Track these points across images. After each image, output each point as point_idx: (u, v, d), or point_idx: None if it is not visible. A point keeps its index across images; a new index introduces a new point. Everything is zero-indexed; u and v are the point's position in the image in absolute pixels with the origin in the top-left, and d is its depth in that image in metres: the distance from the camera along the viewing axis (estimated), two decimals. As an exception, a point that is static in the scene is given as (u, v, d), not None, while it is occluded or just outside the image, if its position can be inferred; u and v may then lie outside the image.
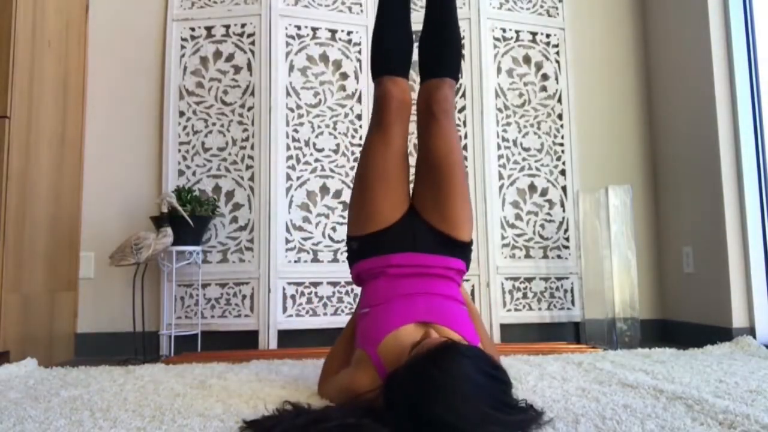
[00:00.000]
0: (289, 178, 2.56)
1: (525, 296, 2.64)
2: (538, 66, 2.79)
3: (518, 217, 2.69)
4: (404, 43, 1.54)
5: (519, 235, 2.68)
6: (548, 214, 2.72)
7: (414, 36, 1.60)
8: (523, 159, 2.72)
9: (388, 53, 1.50)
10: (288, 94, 2.60)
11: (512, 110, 2.74)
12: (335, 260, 2.54)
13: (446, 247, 1.40)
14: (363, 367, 1.22)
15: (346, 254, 1.53)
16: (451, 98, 1.47)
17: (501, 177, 2.68)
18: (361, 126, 2.62)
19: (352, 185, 1.56)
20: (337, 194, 2.59)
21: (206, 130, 2.57)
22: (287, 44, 2.61)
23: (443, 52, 1.52)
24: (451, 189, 1.40)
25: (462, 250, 1.43)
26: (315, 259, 2.54)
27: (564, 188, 2.74)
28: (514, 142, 2.72)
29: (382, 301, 1.32)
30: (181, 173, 2.55)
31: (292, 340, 2.45)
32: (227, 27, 2.61)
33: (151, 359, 2.18)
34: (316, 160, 2.59)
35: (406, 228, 1.40)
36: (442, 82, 1.46)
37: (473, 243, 1.49)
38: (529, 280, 2.66)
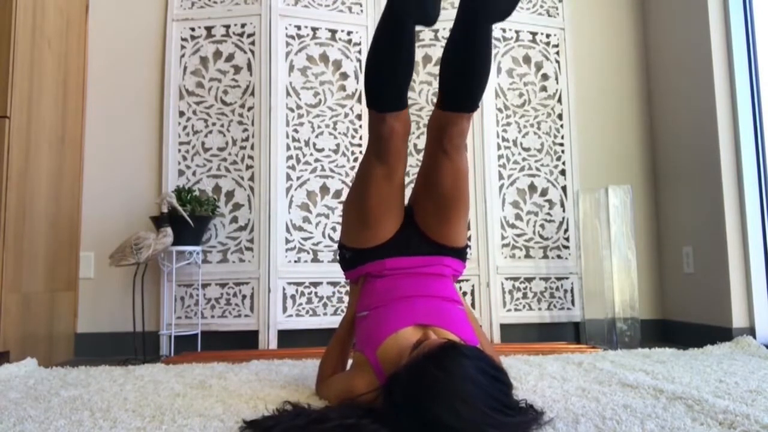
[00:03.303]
0: (289, 178, 2.56)
1: (525, 296, 2.64)
2: (538, 66, 2.79)
3: (518, 217, 2.69)
4: (409, 71, 1.33)
5: (519, 235, 2.67)
6: (548, 214, 2.71)
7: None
8: (523, 159, 2.72)
9: (393, 88, 1.30)
10: (288, 94, 2.60)
11: (512, 110, 2.74)
12: (335, 260, 2.54)
13: (441, 251, 1.42)
14: (362, 371, 1.21)
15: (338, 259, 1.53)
16: (466, 131, 1.34)
17: (501, 177, 2.68)
18: (361, 126, 2.62)
19: (346, 197, 1.48)
20: (337, 194, 2.59)
21: (206, 130, 2.57)
22: (287, 44, 2.61)
23: (471, 84, 1.29)
24: (455, 214, 1.40)
25: (456, 252, 1.44)
26: (315, 259, 2.54)
27: (564, 188, 2.73)
28: (514, 142, 2.72)
29: (381, 304, 1.32)
30: (181, 173, 2.55)
31: (292, 340, 2.45)
32: (227, 27, 2.61)
33: (151, 359, 2.19)
34: (316, 160, 2.59)
35: (402, 237, 1.41)
36: (461, 117, 1.30)
37: (468, 245, 1.50)
38: (529, 280, 2.66)
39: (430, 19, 1.23)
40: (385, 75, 1.30)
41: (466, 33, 1.26)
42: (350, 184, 2.58)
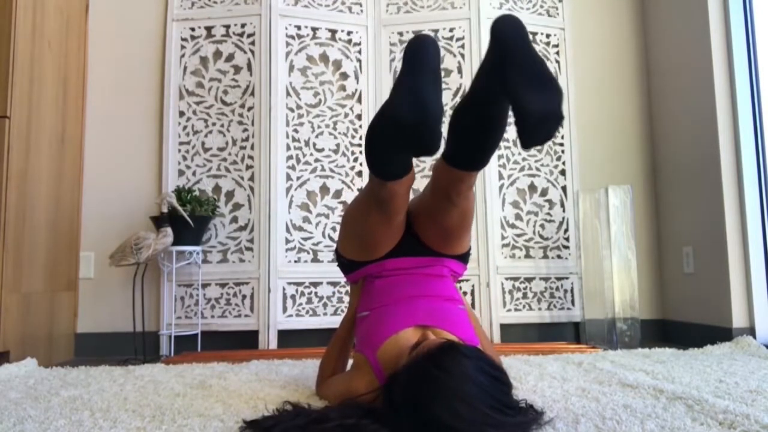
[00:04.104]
0: (289, 178, 2.56)
1: (525, 296, 2.64)
2: (538, 66, 2.78)
3: (518, 217, 2.69)
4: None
5: (519, 235, 2.67)
6: (548, 214, 2.71)
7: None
8: (523, 159, 2.72)
9: (397, 162, 1.18)
10: (288, 94, 2.60)
11: (512, 110, 2.73)
12: (335, 260, 2.53)
13: (442, 254, 1.42)
14: (361, 372, 1.21)
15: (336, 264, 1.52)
16: (474, 183, 1.27)
17: (501, 177, 2.68)
18: (361, 126, 2.62)
19: (346, 210, 1.45)
20: (337, 194, 2.59)
21: (206, 130, 2.57)
22: (287, 44, 2.61)
23: (488, 147, 1.19)
24: (459, 236, 1.38)
25: (457, 256, 1.44)
26: (315, 259, 2.54)
27: (564, 188, 2.73)
28: (515, 142, 2.72)
29: (382, 304, 1.32)
30: (181, 173, 2.55)
31: (292, 340, 2.45)
32: (227, 27, 2.61)
33: (151, 359, 2.19)
34: (316, 160, 2.59)
35: (401, 243, 1.39)
36: (470, 175, 1.22)
37: (470, 249, 1.49)
38: (529, 280, 2.65)
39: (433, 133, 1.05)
40: (386, 157, 1.18)
41: (492, 121, 1.15)
42: (350, 185, 2.59)
